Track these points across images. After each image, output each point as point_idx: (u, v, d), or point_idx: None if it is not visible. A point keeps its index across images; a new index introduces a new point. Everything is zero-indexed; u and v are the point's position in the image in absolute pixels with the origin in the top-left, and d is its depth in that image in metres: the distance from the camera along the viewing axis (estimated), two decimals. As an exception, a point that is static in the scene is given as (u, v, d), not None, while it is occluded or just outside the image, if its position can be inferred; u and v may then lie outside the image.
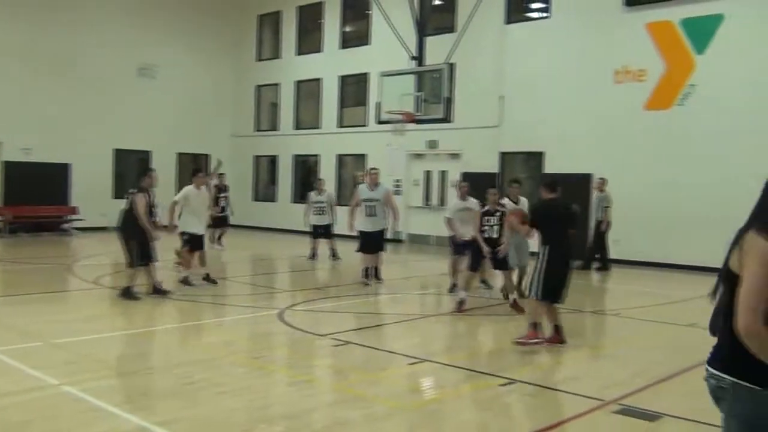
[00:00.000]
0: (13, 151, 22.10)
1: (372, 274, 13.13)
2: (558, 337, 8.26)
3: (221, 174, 18.90)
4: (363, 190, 13.04)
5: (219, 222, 18.51)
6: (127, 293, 10.86)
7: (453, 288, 11.85)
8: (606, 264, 16.21)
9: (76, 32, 23.52)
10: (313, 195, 17.45)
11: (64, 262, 15.80)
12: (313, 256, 16.94)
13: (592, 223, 16.53)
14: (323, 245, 16.89)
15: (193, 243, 12.64)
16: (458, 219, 11.81)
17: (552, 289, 8.12)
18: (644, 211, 16.78)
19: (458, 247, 11.94)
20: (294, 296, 11.99)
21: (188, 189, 12.91)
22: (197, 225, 12.73)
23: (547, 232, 8.19)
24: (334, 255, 16.83)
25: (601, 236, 16.19)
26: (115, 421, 5.39)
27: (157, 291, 11.13)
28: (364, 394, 6.40)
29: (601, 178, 16.42)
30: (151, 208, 11.20)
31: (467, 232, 11.33)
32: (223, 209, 18.72)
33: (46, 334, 8.38)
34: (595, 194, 16.48)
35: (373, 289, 12.78)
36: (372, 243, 12.95)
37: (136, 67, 25.09)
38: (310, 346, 8.38)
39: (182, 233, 12.59)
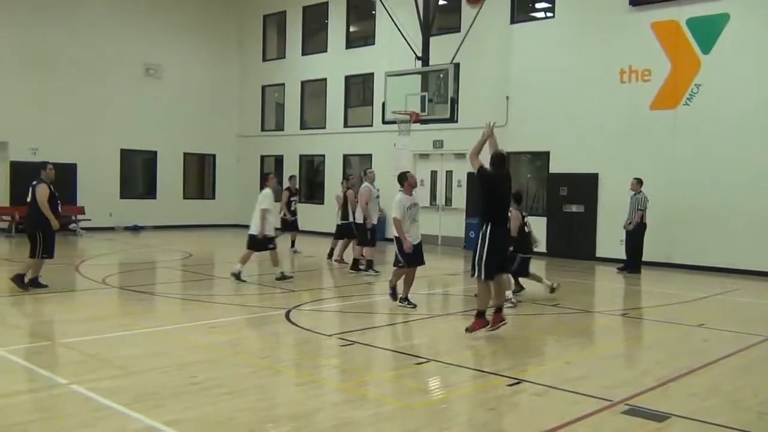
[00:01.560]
0: (20, 151, 22.16)
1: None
2: (500, 316, 8.64)
3: (291, 176, 18.90)
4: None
5: (290, 226, 17.92)
6: (20, 281, 11.21)
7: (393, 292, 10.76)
8: (635, 265, 15.74)
9: (82, 33, 23.59)
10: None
11: (71, 261, 15.83)
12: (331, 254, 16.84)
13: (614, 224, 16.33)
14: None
15: (262, 244, 12.84)
16: (409, 218, 10.34)
17: (495, 267, 8.46)
18: (651, 210, 16.72)
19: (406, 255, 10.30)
20: (300, 296, 11.97)
21: (268, 192, 13.01)
22: (271, 226, 13.03)
23: (490, 208, 8.47)
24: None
25: (634, 238, 15.72)
26: (122, 421, 5.39)
27: (37, 284, 11.42)
28: (371, 394, 6.39)
29: (636, 179, 15.86)
30: (53, 199, 11.26)
31: (416, 236, 10.38)
32: (294, 213, 17.99)
33: (54, 333, 8.39)
34: (630, 195, 15.86)
35: (380, 289, 12.76)
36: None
37: (142, 67, 25.15)
38: (317, 346, 8.37)
39: (267, 237, 12.84)
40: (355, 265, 14.55)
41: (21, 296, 10.91)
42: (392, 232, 10.77)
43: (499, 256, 8.57)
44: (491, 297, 8.66)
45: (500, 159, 8.65)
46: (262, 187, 13.41)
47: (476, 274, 8.53)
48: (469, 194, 20.46)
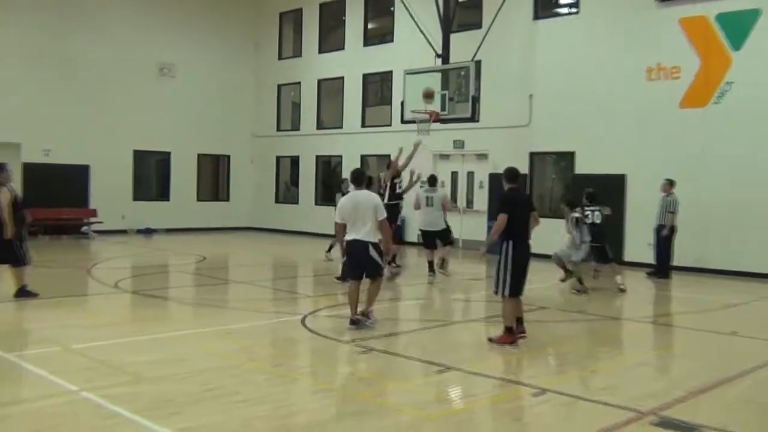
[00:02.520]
0: (33, 153, 22.35)
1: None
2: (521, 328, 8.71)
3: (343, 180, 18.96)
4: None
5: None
6: (24, 292, 11.03)
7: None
8: (665, 271, 15.59)
9: (94, 33, 23.76)
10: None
11: (83, 265, 15.93)
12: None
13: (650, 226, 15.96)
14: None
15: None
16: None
17: (519, 284, 8.60)
18: (680, 213, 16.54)
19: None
20: (317, 301, 11.97)
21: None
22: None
23: (511, 225, 8.46)
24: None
25: (664, 242, 15.52)
26: (134, 429, 5.39)
27: (26, 293, 11.11)
28: (390, 404, 6.35)
29: (668, 180, 15.62)
30: (16, 204, 10.99)
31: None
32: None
33: (65, 339, 8.43)
34: (660, 197, 15.61)
35: (398, 293, 12.73)
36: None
37: (155, 67, 25.30)
38: (333, 353, 8.35)
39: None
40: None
41: (31, 301, 10.97)
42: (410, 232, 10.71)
43: (523, 273, 8.63)
44: (517, 311, 8.69)
45: (515, 174, 8.91)
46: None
47: (498, 292, 8.59)
48: (491, 195, 20.36)
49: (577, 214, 13.27)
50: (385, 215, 9.36)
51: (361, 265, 9.32)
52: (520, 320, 8.71)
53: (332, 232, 16.74)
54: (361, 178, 9.60)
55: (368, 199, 9.35)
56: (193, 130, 26.18)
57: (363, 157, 24.51)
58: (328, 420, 5.77)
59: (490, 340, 8.70)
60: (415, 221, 18.28)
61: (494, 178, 19.84)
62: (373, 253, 9.26)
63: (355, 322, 9.35)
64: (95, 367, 7.19)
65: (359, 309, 9.46)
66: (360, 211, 9.23)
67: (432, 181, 15.34)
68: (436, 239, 14.85)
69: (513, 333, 8.58)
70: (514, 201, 8.67)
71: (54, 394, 6.29)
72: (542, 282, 15.01)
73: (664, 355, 9.01)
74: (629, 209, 17.89)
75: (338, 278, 13.10)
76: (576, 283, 13.19)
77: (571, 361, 8.34)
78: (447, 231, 15.04)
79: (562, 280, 13.52)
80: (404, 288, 13.50)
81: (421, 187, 15.13)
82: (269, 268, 17.72)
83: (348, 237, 9.31)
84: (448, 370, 7.41)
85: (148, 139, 25.12)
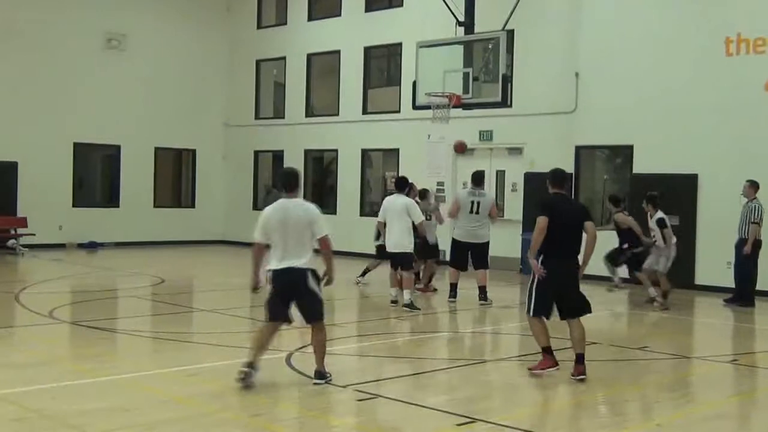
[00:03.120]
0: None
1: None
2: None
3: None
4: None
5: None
6: None
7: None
8: (747, 296, 15.55)
9: (25, -6, 23.82)
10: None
11: (9, 289, 15.96)
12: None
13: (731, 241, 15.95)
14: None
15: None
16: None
17: (545, 304, 9.25)
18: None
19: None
20: (305, 335, 11.98)
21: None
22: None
23: (548, 235, 9.12)
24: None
25: (746, 260, 15.47)
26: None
27: None
28: (399, 464, 6.37)
29: (750, 182, 15.63)
30: None
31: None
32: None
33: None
34: (742, 203, 15.67)
35: (409, 325, 12.74)
36: None
37: (101, 37, 25.34)
38: (327, 400, 8.36)
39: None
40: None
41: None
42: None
43: (555, 293, 9.21)
44: (546, 333, 9.32)
45: (561, 177, 9.60)
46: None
47: (526, 310, 9.44)
48: (527, 201, 20.33)
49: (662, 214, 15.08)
50: (327, 232, 8.72)
51: (295, 300, 8.69)
52: (579, 358, 9.11)
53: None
54: (292, 181, 8.91)
55: (304, 211, 8.70)
56: (149, 117, 26.24)
57: (364, 152, 24.56)
58: (320, 485, 5.79)
59: (531, 369, 9.29)
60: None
61: (531, 179, 19.84)
62: (312, 283, 8.61)
63: (247, 376, 8.41)
64: (27, 418, 7.20)
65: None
66: (291, 228, 8.59)
67: (478, 179, 15.44)
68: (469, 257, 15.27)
69: (552, 354, 9.22)
70: (552, 205, 9.27)
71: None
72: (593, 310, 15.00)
73: (746, 404, 9.01)
74: (702, 218, 17.88)
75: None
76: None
77: (629, 411, 8.34)
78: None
79: (653, 301, 15.14)
80: (415, 318, 13.53)
81: (463, 187, 15.24)
82: (245, 292, 17.69)
83: (273, 264, 8.69)
84: (473, 422, 7.43)
85: (92, 130, 25.15)
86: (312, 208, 8.79)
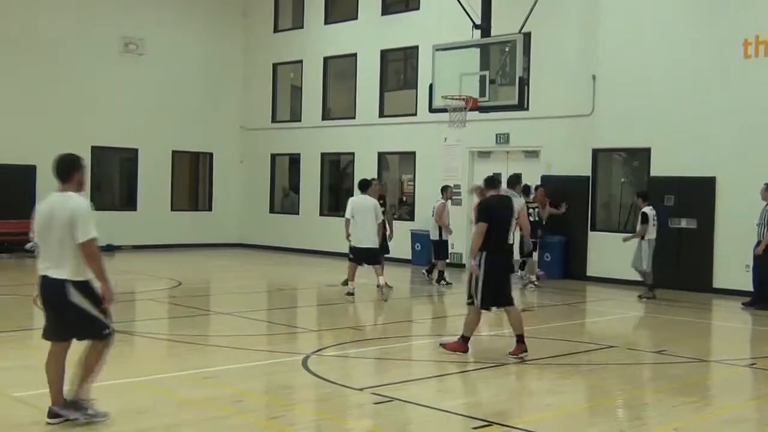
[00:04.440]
0: (-35, 150, 22.59)
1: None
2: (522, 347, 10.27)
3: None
4: None
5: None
6: None
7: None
8: (766, 299, 15.49)
9: (42, 2, 23.91)
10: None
11: (27, 292, 16.03)
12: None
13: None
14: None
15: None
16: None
17: (490, 297, 10.27)
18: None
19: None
20: (322, 337, 11.97)
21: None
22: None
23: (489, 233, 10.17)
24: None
25: (763, 263, 15.49)
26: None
27: None
28: (416, 468, 6.36)
29: None
30: None
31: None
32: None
33: (4, 384, 8.48)
34: (762, 206, 15.63)
35: (426, 327, 12.71)
36: None
37: (119, 42, 25.43)
38: (344, 403, 8.36)
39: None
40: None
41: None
42: None
43: (498, 284, 10.29)
44: (477, 325, 10.50)
45: (496, 181, 10.91)
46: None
47: (472, 303, 10.57)
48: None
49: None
50: (92, 235, 6.97)
51: (58, 318, 7.27)
52: (520, 338, 10.29)
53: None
54: (63, 170, 7.16)
55: (65, 206, 6.96)
56: (166, 121, 26.32)
57: (381, 155, 24.57)
58: (337, 488, 5.78)
59: (443, 345, 10.44)
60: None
61: (548, 182, 19.84)
62: (75, 297, 7.17)
63: (55, 415, 7.11)
64: (43, 421, 7.22)
65: (69, 390, 7.36)
66: (55, 228, 7.00)
67: (514, 182, 16.05)
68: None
69: (467, 343, 10.26)
70: (489, 207, 10.48)
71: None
72: (610, 314, 15.00)
73: (764, 408, 8.94)
74: (720, 221, 17.79)
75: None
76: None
77: (647, 415, 8.30)
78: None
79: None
80: (429, 321, 13.51)
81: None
82: (262, 295, 17.74)
83: (40, 270, 7.19)
84: (489, 425, 7.41)
85: (110, 134, 25.24)
86: (78, 204, 6.98)
